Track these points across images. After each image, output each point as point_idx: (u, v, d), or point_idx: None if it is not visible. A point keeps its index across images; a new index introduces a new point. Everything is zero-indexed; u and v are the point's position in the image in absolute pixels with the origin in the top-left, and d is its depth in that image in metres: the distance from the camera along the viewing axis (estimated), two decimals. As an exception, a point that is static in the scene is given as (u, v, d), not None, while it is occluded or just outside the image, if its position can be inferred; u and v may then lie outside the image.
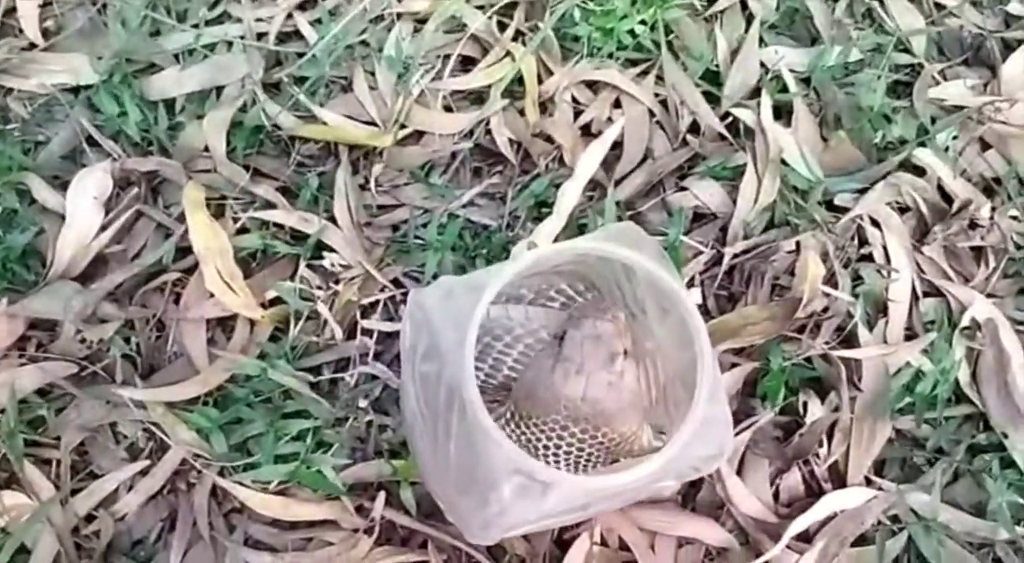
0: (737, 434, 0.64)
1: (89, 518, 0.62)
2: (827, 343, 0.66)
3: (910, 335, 0.69)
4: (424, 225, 0.69)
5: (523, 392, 0.43)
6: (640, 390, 0.43)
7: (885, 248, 0.72)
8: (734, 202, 0.69)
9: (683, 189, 0.71)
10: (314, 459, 0.61)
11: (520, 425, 0.43)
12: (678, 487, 0.62)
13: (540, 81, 0.74)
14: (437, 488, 0.47)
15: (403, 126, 0.72)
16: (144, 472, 0.63)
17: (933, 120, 0.76)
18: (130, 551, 0.61)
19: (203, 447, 0.63)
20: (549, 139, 0.73)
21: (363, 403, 0.65)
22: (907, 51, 0.79)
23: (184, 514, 0.62)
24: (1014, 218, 0.75)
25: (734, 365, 0.65)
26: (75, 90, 0.74)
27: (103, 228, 0.68)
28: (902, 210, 0.74)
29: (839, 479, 0.65)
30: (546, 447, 0.43)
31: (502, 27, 0.76)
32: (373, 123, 0.73)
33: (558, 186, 0.70)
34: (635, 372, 0.42)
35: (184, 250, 0.68)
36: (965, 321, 0.69)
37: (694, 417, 0.38)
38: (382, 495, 0.62)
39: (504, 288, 0.41)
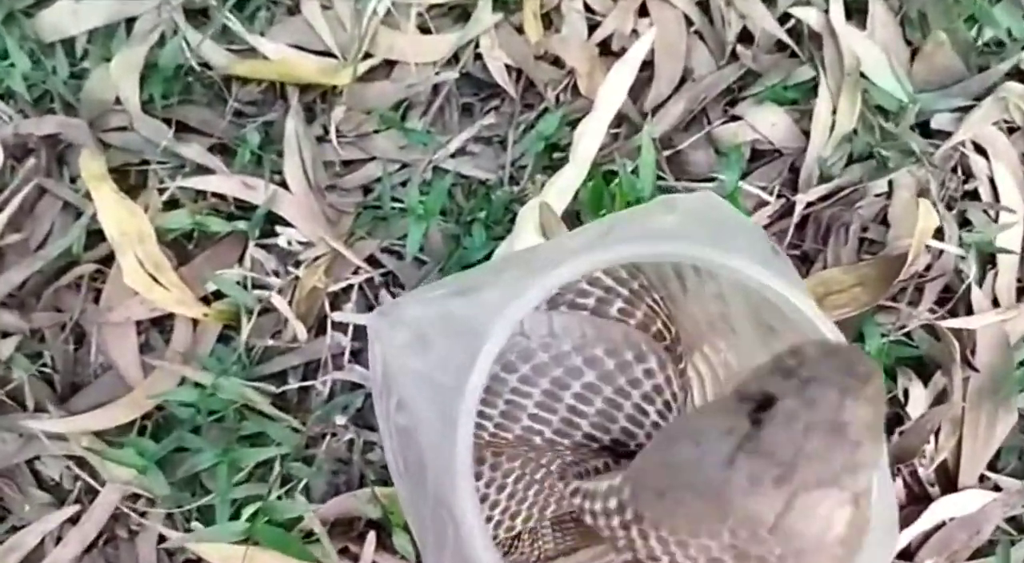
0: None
1: (9, 582, 0.49)
2: (932, 311, 0.51)
3: (1023, 289, 0.55)
4: (403, 184, 0.54)
5: (656, 484, 0.25)
6: (868, 520, 0.25)
7: (992, 181, 0.56)
8: (804, 133, 0.53)
9: (735, 118, 0.55)
10: (277, 506, 0.48)
11: (627, 530, 0.26)
12: None
13: (541, -14, 0.57)
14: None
15: (368, 55, 0.56)
16: (74, 519, 0.50)
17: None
18: (62, 623, 0.49)
19: (144, 484, 0.50)
20: (557, 62, 0.56)
21: (341, 419, 0.51)
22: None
23: (127, 571, 0.49)
24: None
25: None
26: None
27: (-6, 212, 0.53)
28: (1011, 129, 0.58)
29: (948, 481, 0.51)
30: None
31: (488, -83, 0.59)
32: (329, 54, 0.56)
33: (573, 124, 0.54)
34: (872, 494, 0.26)
35: (101, 234, 0.53)
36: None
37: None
38: (372, 536, 0.49)
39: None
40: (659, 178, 0.52)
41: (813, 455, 0.22)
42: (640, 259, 0.25)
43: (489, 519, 0.37)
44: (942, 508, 0.50)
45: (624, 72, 0.53)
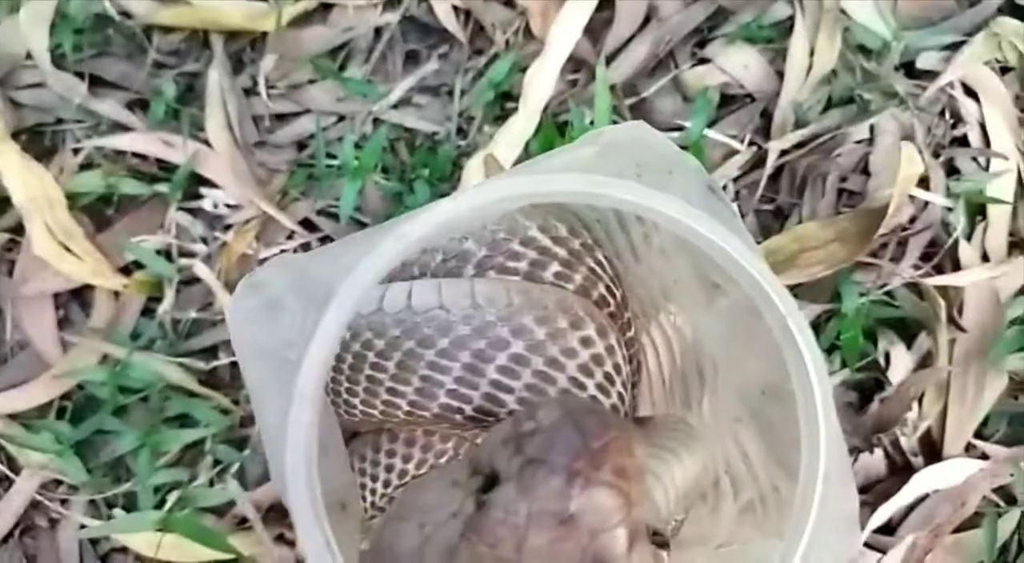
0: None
1: (-80, 577, 0.46)
2: (916, 267, 0.47)
3: (1015, 243, 0.50)
4: (340, 139, 0.49)
5: None
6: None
7: (983, 126, 0.51)
8: (779, 75, 0.49)
9: (704, 61, 0.50)
10: (203, 493, 0.44)
11: None
12: None
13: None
14: None
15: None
16: (-11, 509, 0.46)
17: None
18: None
19: (62, 472, 0.46)
20: (509, 3, 0.51)
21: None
22: None
23: (47, 561, 0.46)
24: None
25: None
26: None
27: None
28: (1004, 70, 0.53)
29: (932, 450, 0.48)
30: None
31: None
32: (258, -2, 0.51)
33: (525, 70, 0.49)
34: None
35: (6, 202, 0.48)
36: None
37: (799, 539, 0.20)
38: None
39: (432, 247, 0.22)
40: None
41: (539, 551, 0.18)
42: (526, 199, 0.20)
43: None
44: (925, 479, 0.47)
45: (578, 10, 0.48)
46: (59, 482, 0.47)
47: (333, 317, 0.18)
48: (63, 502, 0.46)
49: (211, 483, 0.46)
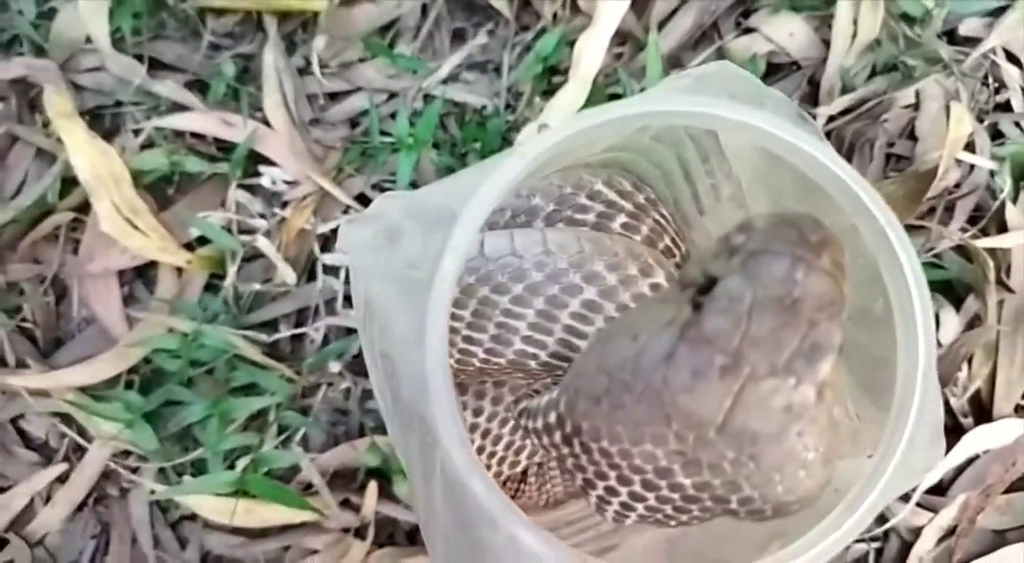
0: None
1: (0, 544, 0.47)
2: (964, 229, 0.47)
3: (1058, 206, 0.51)
4: (392, 116, 0.50)
5: (591, 391, 0.22)
6: (843, 427, 0.22)
7: (1025, 91, 0.52)
8: (824, 43, 0.49)
9: (749, 31, 0.51)
10: (272, 455, 0.46)
11: (570, 445, 0.23)
12: None
13: None
14: (423, 532, 0.30)
15: (350, -21, 0.52)
16: (62, 479, 0.48)
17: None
18: (56, 586, 0.47)
19: (133, 442, 0.48)
20: (554, -22, 0.52)
21: (336, 366, 0.48)
22: None
23: (120, 529, 0.48)
24: None
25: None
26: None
27: (-39, 160, 0.50)
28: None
29: (982, 411, 0.48)
30: (609, 492, 0.22)
31: None
32: (309, -20, 0.52)
33: (573, 44, 0.50)
34: (841, 390, 0.22)
35: (76, 181, 0.50)
36: None
37: (894, 454, 0.21)
38: (373, 485, 0.47)
39: (500, 206, 0.24)
40: (666, 98, 0.49)
41: (761, 339, 0.19)
42: (640, 120, 0.21)
43: (492, 455, 0.34)
44: (976, 439, 0.47)
45: (626, -18, 0.49)
46: (129, 453, 0.48)
47: (464, 228, 0.19)
48: (134, 471, 0.48)
49: (275, 449, 0.48)
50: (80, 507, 0.48)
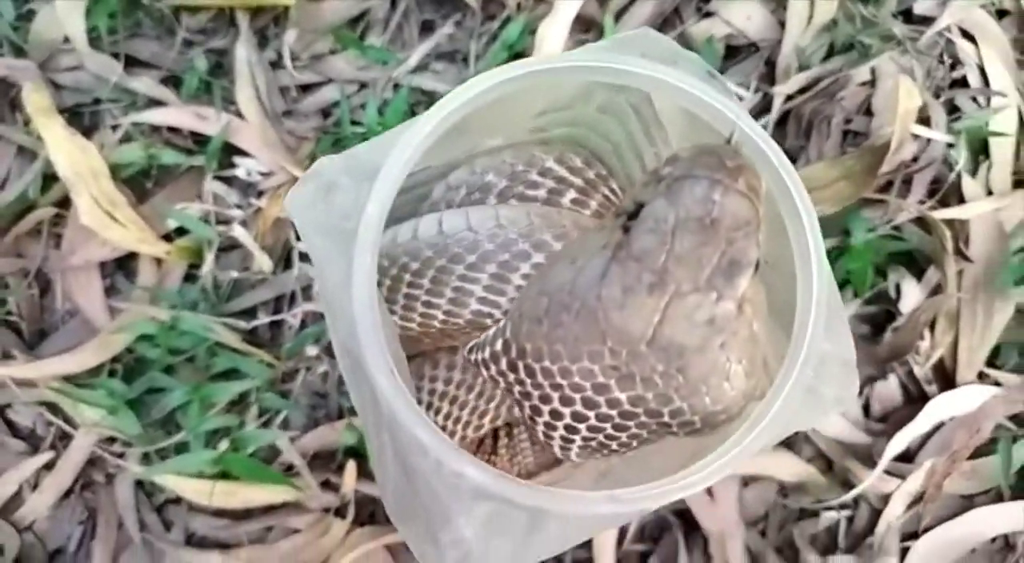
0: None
1: (-11, 532, 0.49)
2: (922, 202, 0.48)
3: (1020, 182, 0.52)
4: (362, 105, 0.52)
5: (534, 312, 0.24)
6: (761, 337, 0.23)
7: (982, 68, 0.53)
8: (781, 25, 0.51)
9: (709, 15, 0.52)
10: (252, 435, 0.47)
11: (515, 370, 0.24)
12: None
13: None
14: (384, 500, 0.31)
15: (319, -26, 0.53)
16: (49, 466, 0.49)
17: None
18: (45, 567, 0.48)
19: (117, 428, 0.49)
20: (519, -31, 0.53)
21: (313, 350, 0.49)
22: None
23: (106, 514, 0.49)
24: None
25: (798, 246, 0.48)
26: None
27: (-56, 159, 0.51)
28: (1000, 14, 0.55)
29: (946, 378, 0.49)
30: (554, 415, 0.24)
31: None
32: (280, -24, 0.54)
33: (536, 32, 0.51)
34: (761, 307, 0.23)
35: (56, 177, 0.51)
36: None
37: (793, 371, 0.22)
38: (352, 465, 0.48)
39: (443, 169, 0.25)
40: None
41: (684, 257, 0.21)
42: (548, 75, 0.23)
43: (458, 420, 0.36)
44: (940, 407, 0.48)
45: (585, -32, 0.50)
46: (113, 439, 0.49)
47: (387, 176, 0.20)
48: (119, 456, 0.49)
49: (239, 448, 0.49)
50: (67, 493, 0.49)
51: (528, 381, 0.24)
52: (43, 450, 0.49)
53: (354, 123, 0.51)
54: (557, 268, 0.23)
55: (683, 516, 0.49)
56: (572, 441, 0.25)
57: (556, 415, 0.24)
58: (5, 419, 0.50)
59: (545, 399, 0.24)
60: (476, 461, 0.22)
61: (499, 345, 0.25)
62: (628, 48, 0.25)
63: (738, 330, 0.22)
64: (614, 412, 0.23)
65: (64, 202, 0.51)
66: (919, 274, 0.49)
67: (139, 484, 0.49)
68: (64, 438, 0.50)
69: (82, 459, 0.49)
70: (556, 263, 0.24)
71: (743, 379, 0.23)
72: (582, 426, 0.24)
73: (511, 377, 0.24)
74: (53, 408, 0.50)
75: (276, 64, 0.53)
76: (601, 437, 0.24)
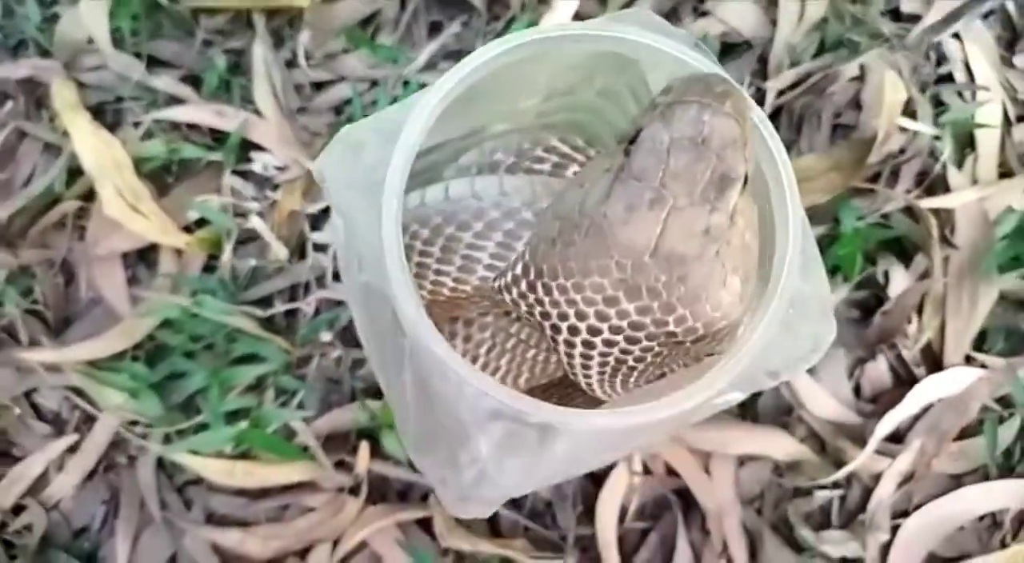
0: (802, 321, 0.50)
1: (17, 509, 0.51)
2: (909, 191, 0.51)
3: (1004, 173, 0.54)
4: (373, 102, 0.54)
5: (547, 234, 0.26)
6: (755, 247, 0.26)
7: (967, 65, 0.55)
8: (773, 23, 0.53)
9: (705, 15, 0.54)
10: (270, 414, 0.49)
11: (534, 290, 0.26)
12: (743, 399, 0.49)
13: None
14: (404, 440, 0.34)
15: (332, -23, 0.55)
16: (73, 448, 0.51)
17: None
18: (71, 543, 0.50)
19: (139, 411, 0.51)
20: (522, -29, 0.56)
21: (327, 336, 0.52)
22: None
23: (128, 493, 0.51)
24: None
25: (791, 234, 0.50)
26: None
27: (-26, 156, 0.54)
28: (984, 14, 0.57)
29: (934, 361, 0.52)
30: (572, 331, 0.26)
31: None
32: (294, -21, 0.56)
33: (540, 31, 0.53)
34: (752, 221, 0.25)
35: (81, 172, 0.53)
36: (1078, 146, 0.54)
37: (774, 304, 0.25)
38: (365, 445, 0.50)
39: (454, 152, 0.27)
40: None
41: (679, 173, 0.23)
42: (552, 43, 0.25)
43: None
44: (928, 388, 0.50)
45: (584, -29, 0.52)
46: (136, 422, 0.52)
47: (410, 129, 0.23)
48: (142, 437, 0.51)
49: (260, 425, 0.51)
50: (91, 474, 0.51)
51: (546, 300, 0.26)
52: (68, 433, 0.51)
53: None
54: (568, 193, 0.26)
55: (682, 495, 0.51)
56: (591, 358, 0.27)
57: (573, 331, 0.26)
58: (31, 403, 0.52)
59: (563, 316, 0.26)
60: (491, 379, 0.24)
61: (519, 269, 0.27)
62: (623, 22, 0.27)
63: (731, 240, 0.24)
64: (624, 323, 0.25)
65: (88, 195, 0.54)
66: (907, 261, 0.51)
67: (160, 465, 0.51)
68: (88, 421, 0.52)
69: (105, 441, 0.51)
70: (567, 189, 0.26)
71: (739, 287, 0.25)
72: (597, 340, 0.26)
73: (531, 298, 0.26)
74: (78, 392, 0.52)
75: (291, 63, 0.55)
76: (616, 352, 0.26)
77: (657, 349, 0.26)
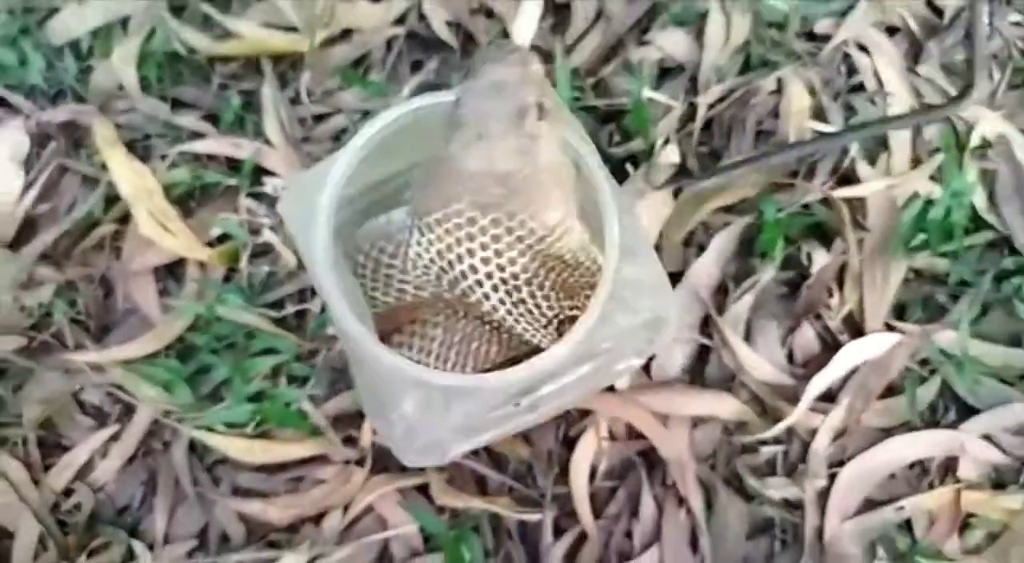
0: (739, 298, 0.58)
1: (67, 492, 0.58)
2: (825, 183, 0.59)
3: (916, 167, 0.63)
4: (367, 130, 0.63)
5: (421, 186, 0.35)
6: (565, 163, 0.35)
7: (876, 74, 0.64)
8: (702, 48, 0.62)
9: (646, 43, 0.64)
10: (285, 394, 0.57)
11: (422, 232, 0.35)
12: (640, 364, 0.57)
13: (470, -48, 0.66)
14: (365, 410, 0.42)
15: (327, 25, 0.65)
16: (115, 437, 0.59)
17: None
18: (115, 519, 0.58)
19: (171, 402, 0.59)
20: (490, 14, 0.65)
21: (331, 330, 0.60)
22: None
23: (164, 474, 0.58)
24: (1016, 24, 0.68)
25: (726, 224, 0.59)
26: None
27: (26, 189, 0.63)
28: (890, 31, 0.66)
29: (856, 329, 0.59)
30: (459, 259, 0.34)
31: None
32: (294, 29, 0.66)
33: (506, 63, 0.62)
34: (556, 137, 0.34)
35: (116, 199, 0.62)
36: (974, 141, 0.63)
37: (605, 281, 0.33)
38: (368, 423, 0.57)
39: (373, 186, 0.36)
40: (576, 100, 0.61)
41: (492, 112, 0.33)
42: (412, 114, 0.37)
43: (454, 363, 0.46)
44: (853, 352, 0.58)
45: (533, 7, 0.62)
46: (169, 413, 0.59)
47: (327, 191, 0.33)
48: (173, 429, 0.59)
49: (279, 402, 0.59)
50: (131, 459, 0.59)
51: (426, 236, 0.35)
52: (110, 424, 0.59)
53: (360, 144, 0.62)
54: (425, 160, 0.36)
55: (645, 455, 0.58)
56: (488, 283, 0.36)
57: (459, 258, 0.35)
58: (77, 400, 0.60)
59: (449, 248, 0.35)
60: (395, 353, 0.33)
61: (409, 221, 0.36)
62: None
63: (541, 155, 0.33)
64: (487, 238, 0.34)
65: (123, 219, 0.62)
66: (827, 244, 0.59)
67: (192, 449, 0.59)
68: (127, 414, 0.59)
69: (143, 429, 0.59)
70: (424, 160, 0.36)
71: (558, 191, 0.34)
72: (474, 247, 0.35)
73: (415, 238, 0.35)
74: (118, 388, 0.60)
75: (295, 100, 0.64)
76: (495, 270, 0.35)
77: (527, 267, 0.34)
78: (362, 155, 0.36)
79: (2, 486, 0.57)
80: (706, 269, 0.59)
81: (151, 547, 0.56)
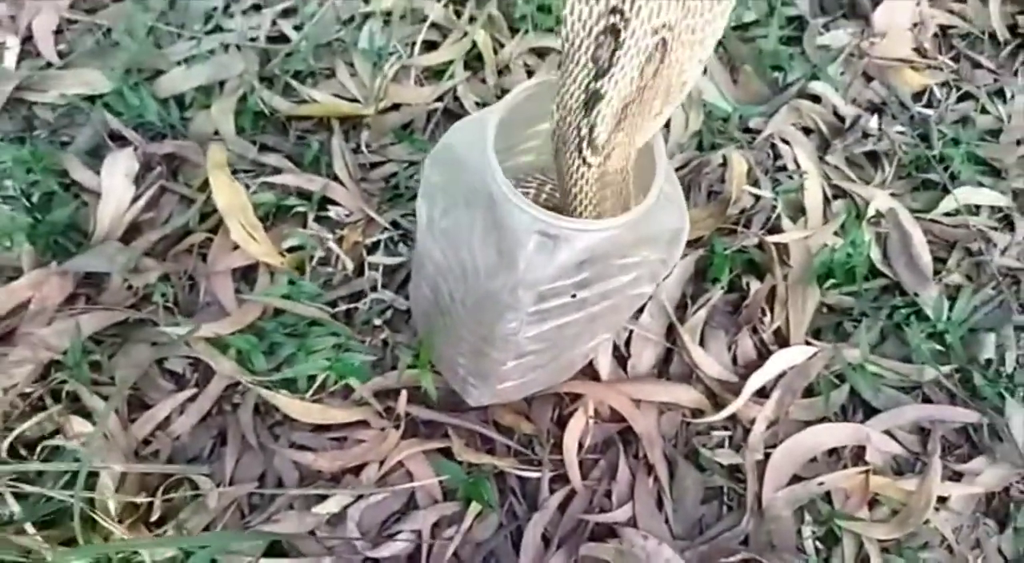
0: (695, 312, 0.76)
1: (147, 442, 0.70)
2: (759, 231, 0.79)
3: (825, 223, 0.83)
4: (412, 176, 0.81)
5: None
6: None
7: (796, 160, 0.86)
8: (667, 128, 0.84)
9: (625, 125, 0.84)
10: (338, 365, 0.71)
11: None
12: (651, 291, 0.71)
13: (495, 53, 0.88)
14: (446, 354, 0.57)
15: (382, 100, 0.85)
16: (192, 399, 0.72)
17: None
18: (188, 465, 0.70)
19: (242, 373, 0.72)
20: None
21: (378, 321, 0.75)
22: (793, 5, 0.96)
23: (233, 430, 0.71)
24: (900, 133, 0.91)
25: (686, 255, 0.77)
26: (91, 99, 0.85)
27: (135, 200, 0.78)
28: (806, 131, 0.89)
29: (783, 341, 0.77)
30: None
31: (458, 15, 0.90)
32: (356, 100, 0.85)
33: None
34: None
35: (205, 215, 0.78)
36: (871, 213, 0.84)
37: (659, 169, 0.47)
38: (404, 394, 0.72)
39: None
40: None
41: None
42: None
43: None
44: (781, 359, 0.76)
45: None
46: (238, 383, 0.73)
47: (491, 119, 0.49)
48: (242, 394, 0.72)
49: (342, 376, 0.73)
50: (205, 417, 0.71)
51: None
52: (188, 388, 0.72)
53: (407, 187, 0.81)
54: None
55: (623, 434, 0.73)
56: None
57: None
58: (162, 368, 0.73)
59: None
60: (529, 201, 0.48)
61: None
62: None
63: None
64: None
65: (213, 230, 0.78)
66: (761, 276, 0.78)
67: (256, 411, 0.72)
68: (205, 381, 0.73)
69: (218, 393, 0.72)
70: None
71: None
72: None
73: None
74: (196, 361, 0.73)
75: (356, 150, 0.83)
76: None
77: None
78: (513, 104, 0.47)
79: (94, 430, 0.69)
80: (671, 289, 0.77)
81: (219, 485, 0.68)
